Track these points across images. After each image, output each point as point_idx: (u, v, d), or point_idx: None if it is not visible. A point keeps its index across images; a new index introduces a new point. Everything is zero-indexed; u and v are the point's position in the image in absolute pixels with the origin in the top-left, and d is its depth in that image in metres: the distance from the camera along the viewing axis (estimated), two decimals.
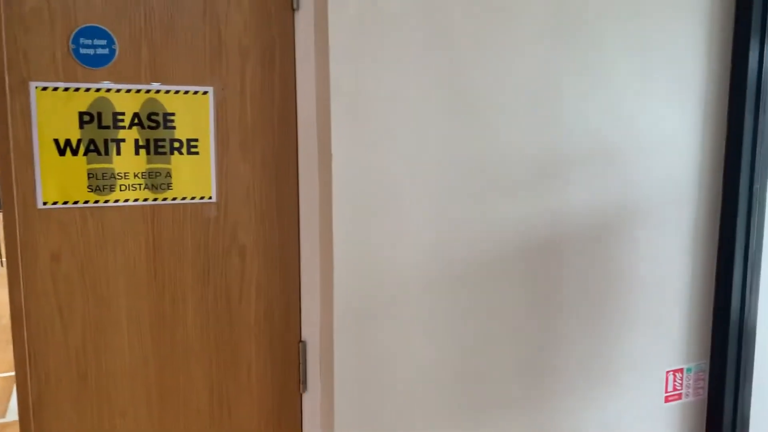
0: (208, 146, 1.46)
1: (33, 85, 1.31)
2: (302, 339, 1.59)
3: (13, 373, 4.53)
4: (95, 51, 1.34)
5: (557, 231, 1.71)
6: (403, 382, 1.58)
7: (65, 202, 1.36)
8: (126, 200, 1.40)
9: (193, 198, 1.45)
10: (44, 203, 1.34)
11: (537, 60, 1.61)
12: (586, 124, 1.69)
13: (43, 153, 1.33)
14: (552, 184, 1.68)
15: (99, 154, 1.37)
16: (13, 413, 3.93)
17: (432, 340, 1.60)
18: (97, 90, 1.36)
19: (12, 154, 1.32)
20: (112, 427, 1.44)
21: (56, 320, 1.38)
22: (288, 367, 1.59)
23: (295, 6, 1.48)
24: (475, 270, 1.62)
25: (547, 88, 1.64)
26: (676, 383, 1.90)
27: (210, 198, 1.47)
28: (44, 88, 1.32)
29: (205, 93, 1.44)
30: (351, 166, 1.46)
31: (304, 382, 1.59)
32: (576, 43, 1.65)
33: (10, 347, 5.00)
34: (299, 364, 1.59)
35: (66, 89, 1.33)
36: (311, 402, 1.59)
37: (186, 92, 1.42)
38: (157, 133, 1.41)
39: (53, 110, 1.33)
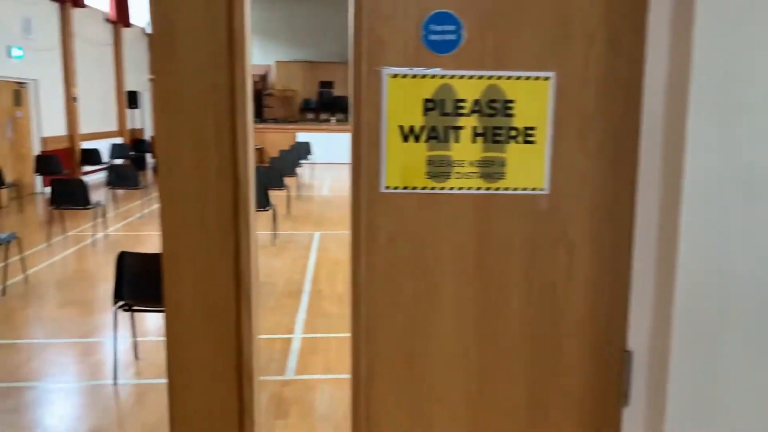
0: (545, 135, 1.38)
1: (385, 71, 1.35)
2: (627, 347, 1.45)
3: (290, 335, 5.06)
4: (443, 37, 1.34)
5: None
6: (745, 412, 1.36)
7: (405, 188, 1.39)
8: (460, 188, 1.39)
9: (525, 189, 1.40)
10: (386, 187, 1.39)
11: None
12: None
13: (389, 139, 1.37)
14: None
15: (439, 141, 1.38)
16: (291, 372, 4.38)
17: None
18: (442, 77, 1.36)
19: (363, 140, 1.38)
20: (431, 411, 1.46)
21: (388, 301, 1.42)
22: (608, 375, 1.47)
23: None
24: None
25: None
26: None
27: (542, 189, 1.40)
28: (395, 75, 1.35)
29: (546, 79, 1.37)
30: (706, 159, 1.28)
31: (627, 395, 1.45)
32: None
33: (287, 312, 5.62)
34: (622, 374, 1.46)
35: (414, 76, 1.35)
36: (633, 418, 1.45)
37: (527, 78, 1.36)
38: (495, 120, 1.37)
39: (401, 97, 1.36)
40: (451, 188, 1.39)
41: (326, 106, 22.27)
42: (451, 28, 1.34)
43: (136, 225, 9.55)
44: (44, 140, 12.74)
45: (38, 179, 12.27)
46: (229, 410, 1.47)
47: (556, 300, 1.44)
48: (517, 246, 1.42)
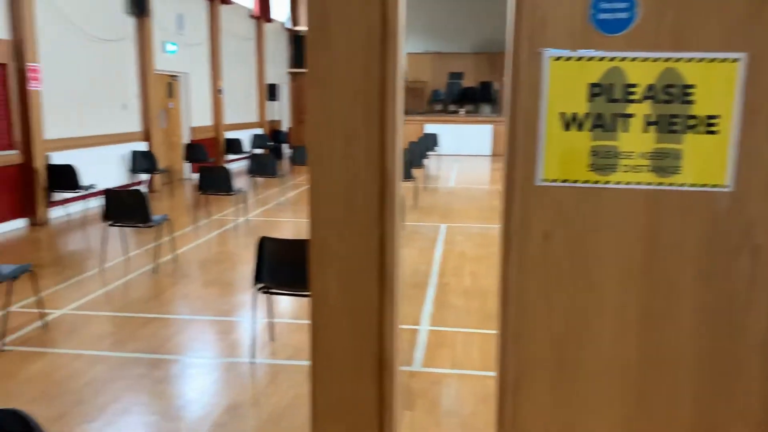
0: (730, 124, 1.22)
1: (547, 53, 1.25)
2: None
3: (416, 327, 5.05)
4: (614, 15, 1.22)
5: None
6: None
7: (564, 180, 1.28)
8: (627, 183, 1.26)
9: (703, 185, 1.24)
10: (543, 180, 1.29)
11: None
12: None
13: (549, 127, 1.27)
14: None
15: (605, 130, 1.26)
16: (418, 363, 4.36)
17: None
18: (611, 59, 1.23)
19: (519, 128, 1.29)
20: (583, 422, 1.35)
21: (541, 302, 1.33)
22: None
23: None
24: None
25: None
26: None
27: (724, 186, 1.24)
28: (557, 58, 1.25)
29: (734, 60, 1.20)
30: None
31: None
32: None
33: (414, 303, 5.62)
34: None
35: (579, 58, 1.24)
36: None
37: (711, 60, 1.21)
38: (671, 108, 1.23)
39: (564, 81, 1.25)
40: (618, 182, 1.27)
41: (455, 98, 22.09)
42: (624, 5, 1.21)
43: (274, 211, 10.00)
44: (192, 130, 13.69)
45: (187, 166, 13.21)
46: (369, 401, 1.44)
47: (735, 312, 1.27)
48: (692, 249, 1.27)
